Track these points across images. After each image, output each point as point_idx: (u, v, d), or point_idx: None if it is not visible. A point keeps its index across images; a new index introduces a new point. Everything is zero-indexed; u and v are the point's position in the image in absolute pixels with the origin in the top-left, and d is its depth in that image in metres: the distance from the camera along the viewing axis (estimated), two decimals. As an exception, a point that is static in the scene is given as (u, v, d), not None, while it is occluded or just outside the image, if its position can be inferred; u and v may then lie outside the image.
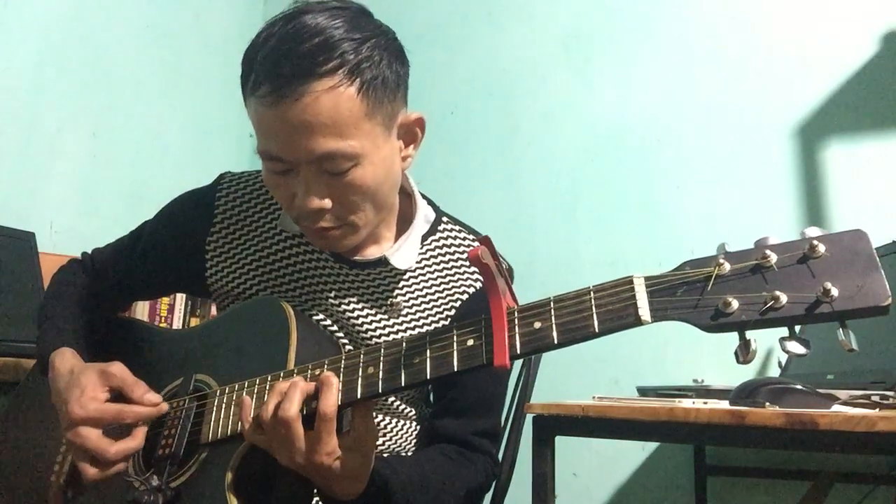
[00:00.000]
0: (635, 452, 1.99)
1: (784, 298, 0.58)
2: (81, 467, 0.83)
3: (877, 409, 0.97)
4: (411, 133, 0.91)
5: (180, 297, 2.15)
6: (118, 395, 0.87)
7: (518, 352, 0.67)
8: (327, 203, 0.83)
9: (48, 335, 1.00)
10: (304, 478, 0.77)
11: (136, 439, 0.83)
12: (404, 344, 0.73)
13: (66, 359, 0.94)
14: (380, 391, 0.73)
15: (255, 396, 0.80)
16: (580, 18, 2.32)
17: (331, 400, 0.72)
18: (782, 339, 0.59)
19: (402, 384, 0.72)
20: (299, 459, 0.73)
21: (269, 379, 0.81)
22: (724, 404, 1.06)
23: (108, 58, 2.27)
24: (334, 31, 0.79)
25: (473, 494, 0.97)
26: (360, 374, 0.74)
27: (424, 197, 1.03)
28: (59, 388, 0.89)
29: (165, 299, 2.11)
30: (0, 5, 1.97)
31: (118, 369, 0.87)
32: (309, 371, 0.78)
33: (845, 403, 1.04)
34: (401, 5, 2.59)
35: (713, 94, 2.05)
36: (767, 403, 0.99)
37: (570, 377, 2.00)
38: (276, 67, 0.78)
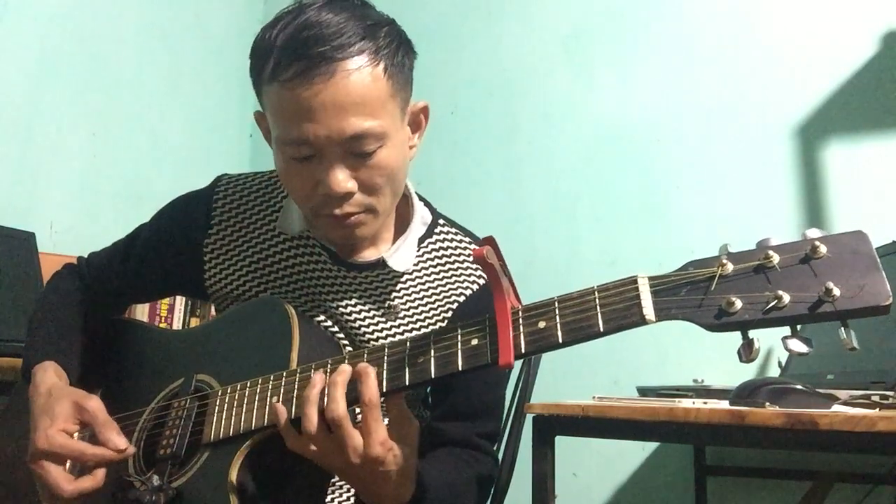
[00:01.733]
0: (635, 452, 2.00)
1: (787, 298, 0.58)
2: (42, 498, 0.83)
3: (877, 409, 0.97)
4: (417, 121, 0.93)
5: (180, 298, 2.14)
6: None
7: (523, 351, 0.67)
8: (354, 185, 0.83)
9: (34, 346, 1.00)
10: (313, 478, 0.76)
11: (96, 479, 0.82)
12: (408, 343, 0.74)
13: (47, 376, 0.93)
14: (384, 390, 0.73)
15: (257, 396, 0.80)
16: (580, 18, 2.32)
17: (373, 387, 0.71)
18: (784, 338, 0.60)
19: (407, 383, 0.72)
20: (355, 458, 0.71)
21: (271, 378, 0.81)
22: (724, 404, 1.06)
23: (108, 58, 2.27)
24: (347, 21, 0.80)
25: (483, 491, 0.97)
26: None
27: (421, 199, 1.03)
28: (35, 409, 0.88)
29: (165, 300, 2.10)
30: (0, 5, 1.97)
31: (94, 405, 0.85)
32: (312, 371, 0.78)
33: (845, 403, 1.04)
34: (401, 5, 2.58)
35: (713, 94, 2.05)
36: (767, 403, 0.99)
37: (570, 377, 2.00)
38: (304, 49, 0.78)
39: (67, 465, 0.84)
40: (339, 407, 0.71)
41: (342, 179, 0.82)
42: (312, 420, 0.72)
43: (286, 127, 0.81)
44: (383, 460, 0.72)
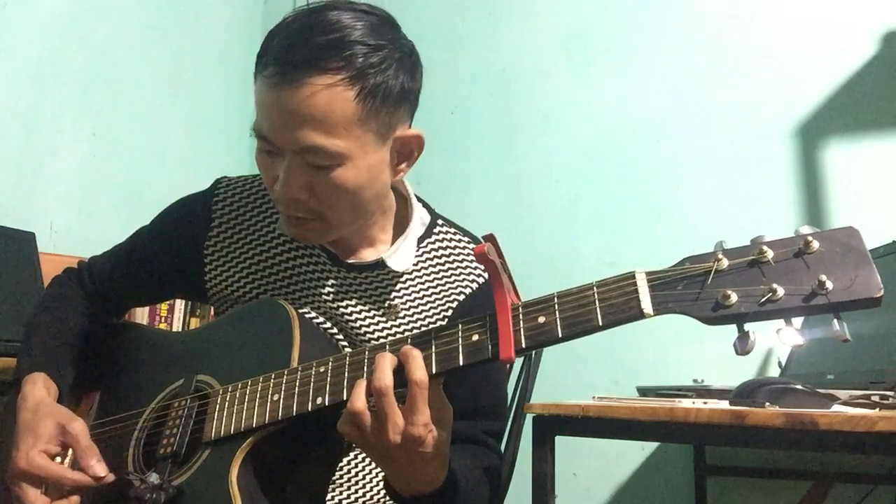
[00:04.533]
0: (635, 452, 2.00)
1: (781, 291, 0.60)
2: None
3: (877, 409, 0.97)
4: (407, 148, 0.91)
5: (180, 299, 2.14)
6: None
7: (523, 346, 0.68)
8: (304, 194, 0.84)
9: (28, 353, 1.00)
10: (314, 476, 0.75)
11: (70, 503, 0.83)
12: (409, 341, 0.74)
13: (35, 389, 0.92)
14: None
15: (258, 394, 0.81)
16: (580, 18, 2.32)
17: (422, 368, 0.71)
18: (779, 330, 0.61)
19: None
20: (395, 437, 0.70)
21: (272, 377, 0.81)
22: (724, 404, 1.06)
23: (108, 58, 2.27)
24: (353, 31, 0.81)
25: (493, 483, 0.97)
26: (365, 370, 0.75)
27: (420, 199, 1.03)
28: (19, 424, 0.88)
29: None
30: (0, 5, 1.97)
31: (78, 428, 0.85)
32: (314, 369, 0.78)
33: (845, 403, 1.04)
34: (401, 5, 2.58)
35: (713, 94, 2.05)
36: (767, 403, 0.99)
37: (569, 377, 2.00)
38: (286, 53, 0.80)
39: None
40: (385, 378, 0.70)
41: (292, 185, 0.84)
42: (360, 396, 0.72)
43: (258, 120, 0.85)
44: (423, 441, 0.71)
